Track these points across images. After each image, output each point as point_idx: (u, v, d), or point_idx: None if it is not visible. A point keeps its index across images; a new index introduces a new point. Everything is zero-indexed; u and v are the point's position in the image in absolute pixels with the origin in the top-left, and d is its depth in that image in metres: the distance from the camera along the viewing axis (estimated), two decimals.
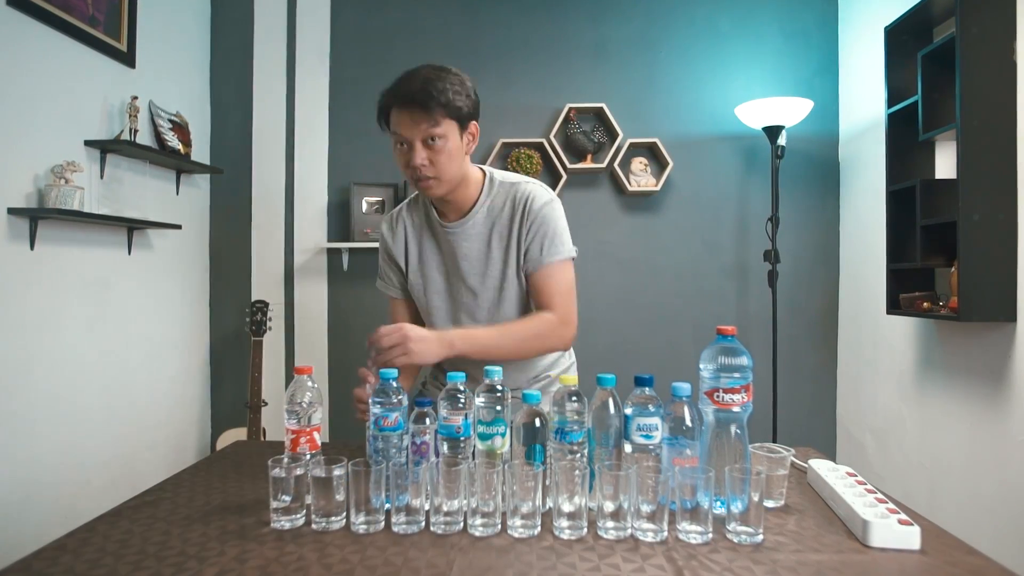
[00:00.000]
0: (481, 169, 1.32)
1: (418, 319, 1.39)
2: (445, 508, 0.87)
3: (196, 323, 2.84)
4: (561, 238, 1.27)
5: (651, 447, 0.92)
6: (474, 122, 1.22)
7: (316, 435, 1.00)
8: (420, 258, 1.34)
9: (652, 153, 2.82)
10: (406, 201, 1.39)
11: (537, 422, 0.94)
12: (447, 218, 1.30)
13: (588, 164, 2.77)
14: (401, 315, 1.39)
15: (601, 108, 2.75)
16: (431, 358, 1.14)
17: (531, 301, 1.31)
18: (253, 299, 2.87)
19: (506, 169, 2.79)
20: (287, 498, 0.88)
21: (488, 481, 0.86)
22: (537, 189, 1.28)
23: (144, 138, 2.37)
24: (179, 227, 2.54)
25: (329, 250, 2.90)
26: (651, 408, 0.92)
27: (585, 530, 0.86)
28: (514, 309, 1.31)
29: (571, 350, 1.46)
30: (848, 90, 2.76)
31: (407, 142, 1.16)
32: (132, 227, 2.36)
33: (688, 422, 0.91)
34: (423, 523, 0.88)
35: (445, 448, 0.96)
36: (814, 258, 2.83)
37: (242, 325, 2.84)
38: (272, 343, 2.85)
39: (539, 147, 2.79)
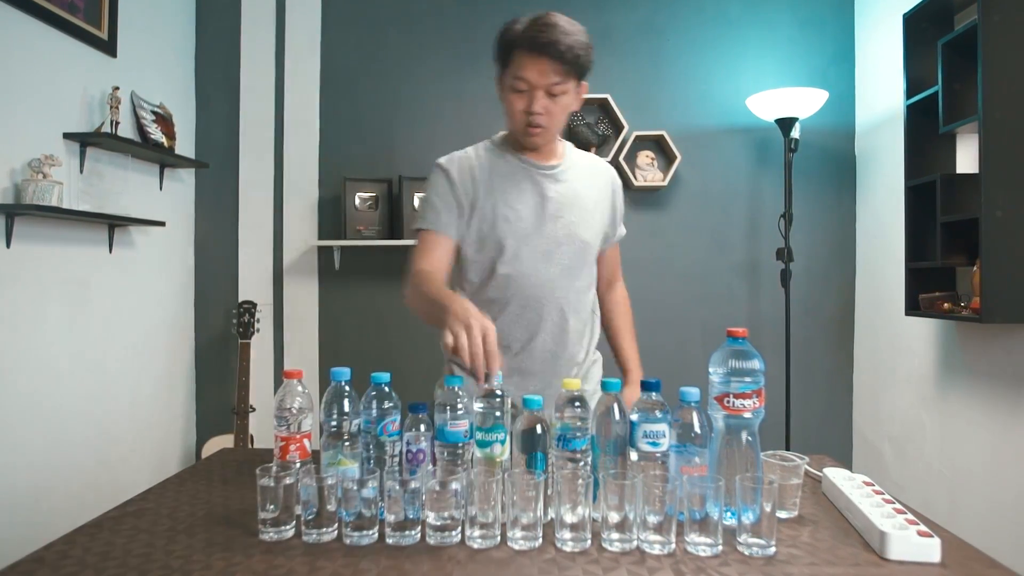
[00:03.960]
0: None
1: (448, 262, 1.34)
2: (442, 519, 0.87)
3: (180, 325, 2.84)
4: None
5: (658, 455, 0.92)
6: (585, 81, 1.30)
7: (306, 442, 1.00)
8: (500, 195, 1.32)
9: (659, 146, 2.82)
10: (469, 148, 1.38)
11: (538, 428, 0.94)
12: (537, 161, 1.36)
13: None
14: (441, 252, 1.31)
15: (605, 99, 2.76)
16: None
17: (599, 270, 1.44)
18: (240, 300, 2.87)
19: None
20: (276, 508, 0.88)
21: (487, 491, 0.86)
22: (613, 168, 1.46)
23: (126, 131, 2.37)
24: (163, 224, 2.54)
25: (320, 248, 2.90)
26: (658, 414, 0.92)
27: (589, 542, 0.86)
28: (584, 263, 1.38)
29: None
30: (865, 80, 2.76)
31: (530, 88, 1.22)
32: (113, 224, 2.36)
33: (697, 429, 0.91)
34: (419, 534, 0.88)
35: (444, 455, 0.96)
36: (829, 257, 2.83)
37: (229, 327, 2.84)
38: (260, 346, 2.85)
39: None
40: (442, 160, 1.35)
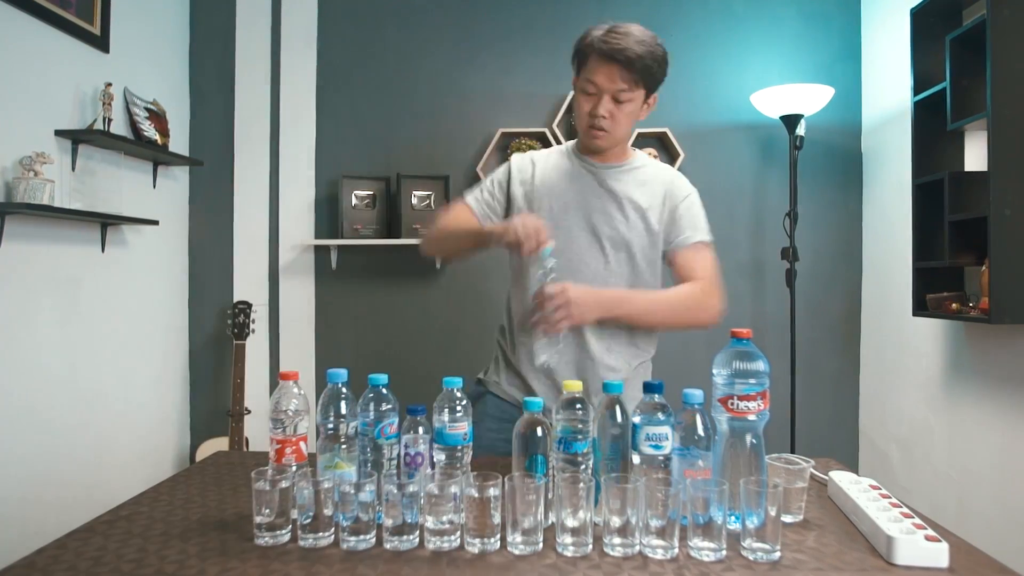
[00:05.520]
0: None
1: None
2: (441, 523, 0.87)
3: (174, 325, 2.84)
4: (705, 223, 1.43)
5: (661, 458, 0.92)
6: (655, 94, 1.36)
7: (302, 445, 1.00)
8: (557, 191, 1.39)
9: (662, 144, 2.82)
10: (553, 151, 1.48)
11: (538, 431, 0.94)
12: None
13: None
14: (462, 213, 1.44)
15: None
16: (589, 321, 1.28)
17: (676, 281, 1.41)
18: (235, 300, 2.87)
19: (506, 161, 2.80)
20: (271, 513, 0.88)
21: (486, 495, 0.86)
22: (684, 178, 1.47)
23: (119, 128, 2.37)
24: (156, 223, 2.54)
25: (316, 248, 2.90)
26: (661, 416, 0.92)
27: (590, 547, 0.86)
28: (632, 263, 1.38)
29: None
30: (871, 76, 2.76)
31: (598, 91, 1.29)
32: (106, 223, 2.36)
33: (700, 431, 0.91)
34: (417, 539, 0.88)
35: (443, 458, 0.96)
36: (835, 256, 2.83)
37: (223, 328, 2.84)
38: (255, 347, 2.85)
39: (541, 137, 2.79)
40: (515, 156, 1.47)
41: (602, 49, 1.26)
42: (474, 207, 1.43)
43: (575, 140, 1.46)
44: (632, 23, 1.30)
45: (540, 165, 1.43)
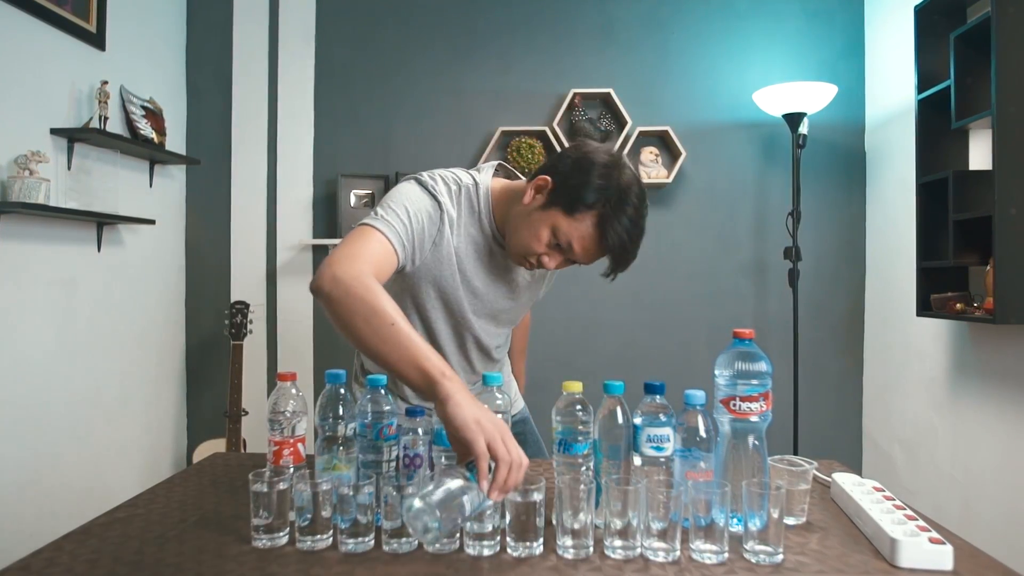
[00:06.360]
0: None
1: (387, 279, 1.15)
2: None
3: (171, 326, 2.84)
4: None
5: (662, 459, 0.92)
6: None
7: (300, 447, 1.00)
8: (473, 274, 1.24)
9: (663, 142, 2.82)
10: (462, 195, 1.22)
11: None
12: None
13: None
14: (388, 272, 1.10)
15: (608, 94, 2.76)
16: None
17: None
18: (232, 300, 2.87)
19: (506, 160, 2.80)
20: (269, 515, 0.88)
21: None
22: None
23: (115, 126, 2.37)
24: (153, 222, 2.54)
25: (315, 247, 2.90)
26: (662, 417, 0.92)
27: (591, 549, 0.86)
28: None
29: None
30: (875, 74, 2.76)
31: (566, 252, 1.13)
32: (102, 222, 2.36)
33: (702, 433, 0.91)
34: (416, 542, 0.88)
35: (443, 460, 0.96)
36: (838, 256, 2.83)
37: (221, 328, 2.84)
38: (253, 347, 2.85)
39: (541, 136, 2.79)
40: (443, 200, 1.18)
41: (612, 242, 1.10)
42: (398, 249, 1.09)
43: (491, 189, 1.24)
44: (637, 189, 1.15)
45: (456, 232, 1.19)
